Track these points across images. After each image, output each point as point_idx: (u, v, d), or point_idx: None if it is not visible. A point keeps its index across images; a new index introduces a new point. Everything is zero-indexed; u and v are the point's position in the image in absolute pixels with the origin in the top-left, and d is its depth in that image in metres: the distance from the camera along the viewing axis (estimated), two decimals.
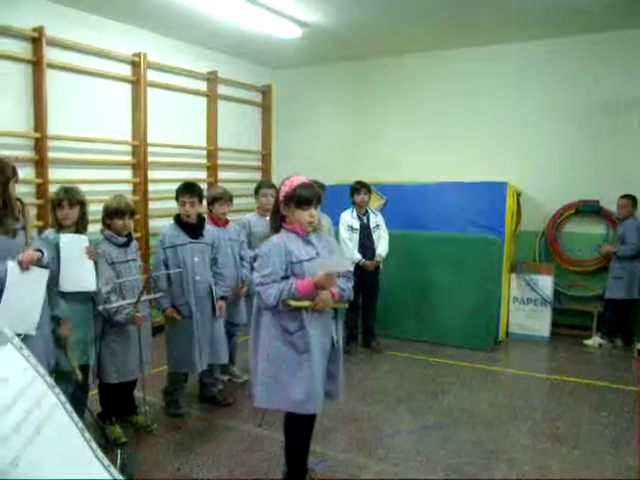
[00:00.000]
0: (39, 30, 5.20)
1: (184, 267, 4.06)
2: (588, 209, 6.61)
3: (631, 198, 6.07)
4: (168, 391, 4.35)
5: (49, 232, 3.64)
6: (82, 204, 3.65)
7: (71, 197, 3.60)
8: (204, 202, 4.45)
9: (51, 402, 1.29)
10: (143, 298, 3.78)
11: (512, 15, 5.89)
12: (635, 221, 6.03)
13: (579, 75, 6.61)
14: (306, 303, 2.85)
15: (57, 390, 1.31)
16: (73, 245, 3.52)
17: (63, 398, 1.30)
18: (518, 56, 6.91)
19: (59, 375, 3.35)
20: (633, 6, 5.49)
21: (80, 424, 1.29)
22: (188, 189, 4.11)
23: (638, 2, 5.37)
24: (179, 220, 4.15)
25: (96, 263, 3.66)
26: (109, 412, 3.96)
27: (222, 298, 4.27)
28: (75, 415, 1.31)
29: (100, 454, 1.29)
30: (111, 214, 3.81)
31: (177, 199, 4.16)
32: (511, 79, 6.97)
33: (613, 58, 6.43)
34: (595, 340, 6.21)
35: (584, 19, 5.99)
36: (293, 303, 2.82)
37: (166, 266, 4.07)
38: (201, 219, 4.24)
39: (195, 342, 4.06)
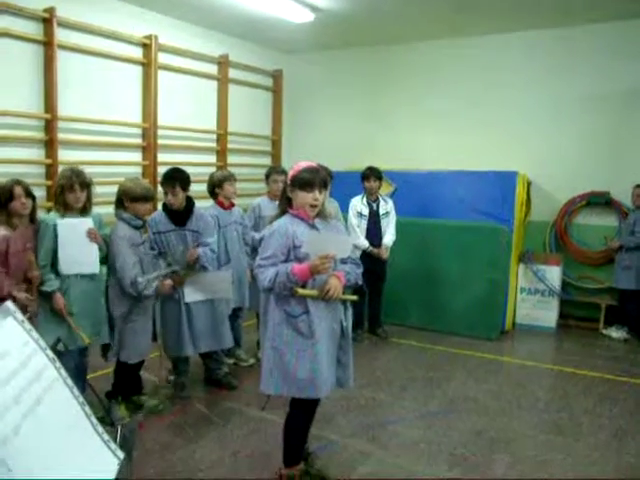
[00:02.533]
0: (50, 11, 5.18)
1: (168, 253, 4.07)
2: (598, 200, 6.56)
3: None
4: (172, 374, 4.40)
5: (52, 215, 3.64)
6: (89, 186, 3.68)
7: (82, 180, 3.63)
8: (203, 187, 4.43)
9: (52, 376, 1.30)
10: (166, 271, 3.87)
11: (527, 1, 5.82)
12: None
13: (594, 64, 6.53)
14: (314, 292, 2.82)
15: (58, 364, 1.32)
16: (71, 228, 3.55)
17: (64, 373, 1.31)
18: (531, 44, 6.83)
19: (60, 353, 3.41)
20: None
21: (81, 398, 1.30)
22: (168, 178, 4.05)
23: None
24: (165, 207, 4.15)
25: (107, 244, 3.70)
26: (117, 391, 4.00)
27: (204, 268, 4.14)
28: (76, 390, 1.32)
29: (100, 429, 1.29)
30: (136, 199, 3.78)
31: (162, 188, 4.13)
32: (525, 68, 6.89)
33: (629, 47, 6.34)
34: (621, 334, 6.16)
35: (602, 7, 5.91)
36: (300, 291, 2.79)
37: (158, 249, 4.09)
38: (190, 205, 4.16)
39: (183, 326, 4.05)
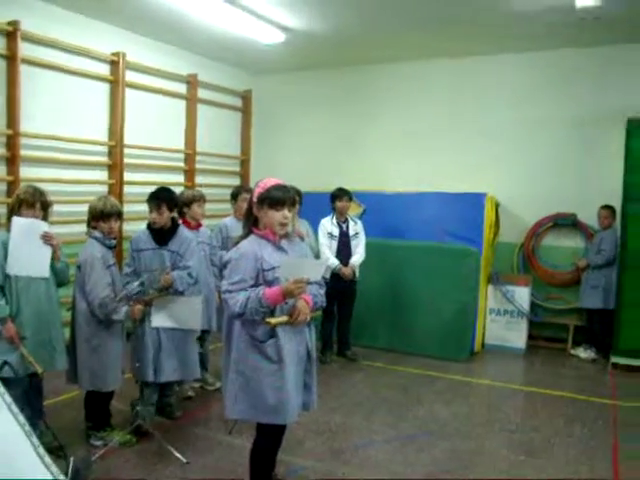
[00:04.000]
0: (14, 24, 5.07)
1: (144, 272, 3.90)
2: (565, 222, 6.64)
3: (611, 209, 6.12)
4: (133, 403, 4.15)
5: (3, 234, 3.48)
6: (47, 209, 3.58)
7: (44, 200, 3.53)
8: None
9: None
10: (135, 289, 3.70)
11: (498, 28, 5.93)
12: (614, 232, 6.08)
13: (562, 88, 6.65)
14: (284, 318, 2.73)
15: (1, 390, 1.21)
16: (26, 228, 3.40)
17: (8, 398, 1.21)
18: (500, 68, 6.95)
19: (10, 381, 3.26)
20: (616, 23, 5.57)
21: (27, 427, 1.20)
22: (154, 197, 3.96)
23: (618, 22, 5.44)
24: (149, 225, 4.03)
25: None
26: (101, 420, 3.86)
27: (178, 292, 3.95)
28: (22, 417, 1.22)
29: (48, 460, 1.19)
30: (97, 216, 3.67)
31: (148, 205, 4.02)
32: (492, 90, 7.00)
33: (595, 73, 6.50)
34: (589, 354, 6.19)
35: (567, 33, 6.04)
36: (273, 321, 2.69)
37: (134, 268, 3.94)
38: (174, 225, 4.06)
39: (147, 350, 3.85)
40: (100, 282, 3.57)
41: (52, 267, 3.57)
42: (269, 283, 2.74)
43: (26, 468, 1.18)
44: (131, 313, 3.63)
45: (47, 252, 3.50)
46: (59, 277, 3.63)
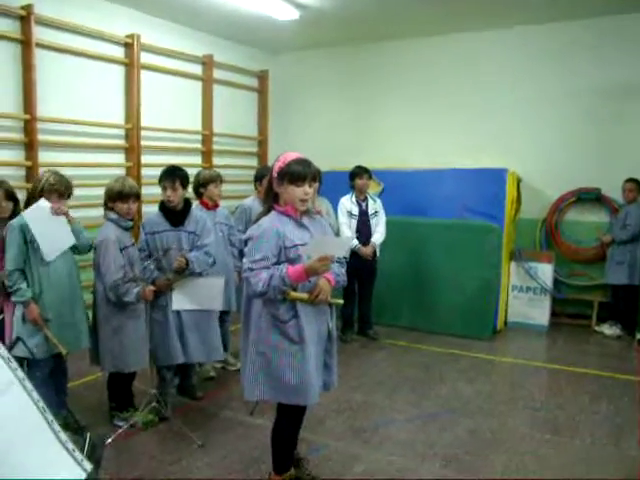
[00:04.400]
0: (28, 8, 5.05)
1: (162, 255, 3.84)
2: (589, 197, 6.51)
3: (636, 182, 5.98)
4: (156, 390, 4.13)
5: (18, 218, 3.47)
6: (68, 198, 3.62)
7: (69, 192, 3.59)
8: (190, 187, 4.25)
9: (6, 378, 1.18)
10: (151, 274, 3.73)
11: None
12: (639, 206, 5.94)
13: (583, 59, 6.48)
14: (305, 296, 2.68)
15: (14, 365, 1.20)
16: (37, 214, 3.40)
17: (21, 374, 1.20)
18: (519, 40, 6.79)
19: (35, 362, 3.29)
20: None
21: (41, 403, 1.18)
22: (169, 174, 3.90)
23: None
24: (163, 206, 3.98)
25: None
26: (124, 401, 3.88)
27: (197, 274, 3.92)
28: (35, 394, 1.20)
29: (63, 437, 1.18)
30: (114, 197, 3.66)
31: (160, 184, 3.97)
32: (513, 64, 6.85)
33: (619, 42, 6.31)
34: (614, 330, 6.10)
35: (590, 2, 5.86)
36: (293, 294, 2.64)
37: (149, 252, 3.91)
38: (187, 205, 4.01)
39: (171, 334, 3.85)
40: (112, 264, 3.56)
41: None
42: (291, 261, 2.69)
43: (41, 442, 1.17)
44: (142, 294, 3.61)
45: (63, 222, 3.51)
46: (79, 240, 3.62)
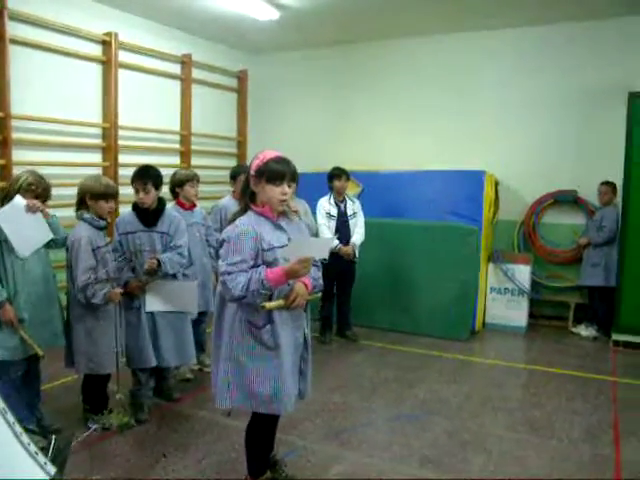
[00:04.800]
0: (0, 3, 4.95)
1: (134, 256, 3.82)
2: (566, 199, 6.58)
3: (611, 185, 6.06)
4: (132, 392, 4.04)
5: None
6: (46, 200, 3.55)
7: (48, 194, 3.52)
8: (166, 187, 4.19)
9: None
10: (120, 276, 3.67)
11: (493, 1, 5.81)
12: (615, 208, 6.02)
13: (559, 63, 6.56)
14: (280, 302, 2.60)
15: None
16: (10, 213, 3.32)
17: None
18: (498, 44, 6.85)
19: (7, 364, 3.23)
20: None
21: (1, 404, 1.14)
22: (140, 175, 3.80)
23: None
24: (136, 206, 3.90)
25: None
26: (98, 404, 3.81)
27: (170, 275, 3.87)
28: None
29: (25, 439, 1.14)
30: (97, 196, 3.58)
31: (132, 185, 3.87)
32: (491, 67, 6.91)
33: (595, 46, 6.40)
34: (590, 332, 6.15)
35: (567, 6, 5.93)
36: (268, 306, 2.55)
37: (123, 252, 3.84)
38: (161, 205, 3.93)
39: (145, 336, 3.79)
40: (81, 266, 3.49)
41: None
42: (268, 264, 2.60)
43: (2, 448, 1.12)
44: (109, 297, 3.54)
45: (39, 218, 3.43)
46: (58, 233, 3.56)
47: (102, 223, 3.66)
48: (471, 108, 7.00)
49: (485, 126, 6.93)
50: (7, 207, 3.34)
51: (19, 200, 3.35)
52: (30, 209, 3.36)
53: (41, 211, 3.43)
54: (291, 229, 2.77)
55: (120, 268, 3.78)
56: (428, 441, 3.69)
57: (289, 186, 2.68)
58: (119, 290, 3.61)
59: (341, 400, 4.35)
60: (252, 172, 2.67)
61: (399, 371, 5.03)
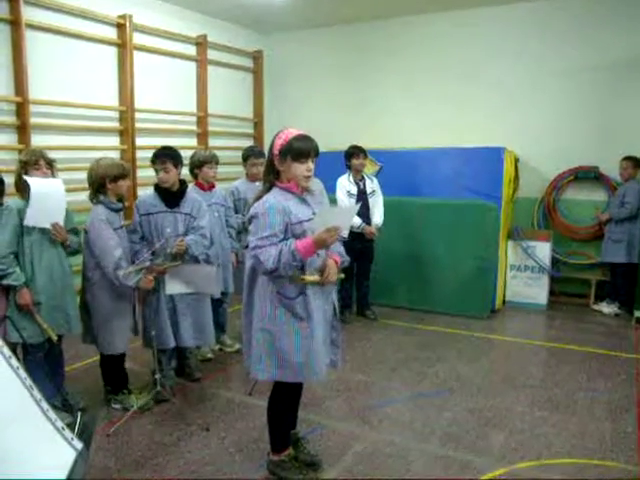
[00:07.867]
0: None
1: (157, 237, 3.84)
2: (587, 175, 6.48)
3: (633, 160, 5.95)
4: (154, 372, 4.12)
5: (15, 201, 3.45)
6: (53, 166, 3.59)
7: (47, 158, 3.54)
8: (183, 168, 4.19)
9: None
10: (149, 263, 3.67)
11: None
12: (637, 184, 5.93)
13: (582, 35, 6.41)
14: (317, 278, 2.69)
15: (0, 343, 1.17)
16: (47, 185, 3.39)
17: (7, 351, 1.17)
18: (517, 17, 6.70)
19: (29, 345, 3.29)
20: None
21: (28, 381, 1.16)
22: (161, 155, 3.85)
23: None
24: (158, 187, 3.93)
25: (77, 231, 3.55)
26: (118, 383, 3.87)
27: (194, 258, 3.91)
28: (22, 371, 1.17)
29: (52, 415, 1.16)
30: (117, 177, 3.61)
31: (153, 167, 3.92)
32: (510, 42, 6.77)
33: (617, 18, 6.23)
34: (612, 309, 6.10)
35: None
36: (308, 278, 2.65)
37: (142, 235, 3.87)
38: (183, 187, 3.96)
39: (164, 317, 3.84)
40: (109, 244, 3.50)
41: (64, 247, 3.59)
42: (297, 237, 2.67)
43: (29, 421, 1.14)
44: (142, 284, 3.58)
45: (63, 206, 3.50)
46: (71, 244, 3.63)
47: (118, 205, 3.68)
48: (490, 84, 6.89)
49: (505, 102, 6.82)
50: (46, 181, 3.39)
51: (59, 184, 3.43)
52: (52, 232, 3.43)
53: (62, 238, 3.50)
54: (315, 203, 2.85)
55: (138, 251, 3.80)
56: (449, 419, 3.70)
57: (313, 162, 2.74)
58: (151, 278, 3.62)
59: (362, 379, 4.37)
60: (276, 152, 2.72)
61: (419, 350, 5.03)
